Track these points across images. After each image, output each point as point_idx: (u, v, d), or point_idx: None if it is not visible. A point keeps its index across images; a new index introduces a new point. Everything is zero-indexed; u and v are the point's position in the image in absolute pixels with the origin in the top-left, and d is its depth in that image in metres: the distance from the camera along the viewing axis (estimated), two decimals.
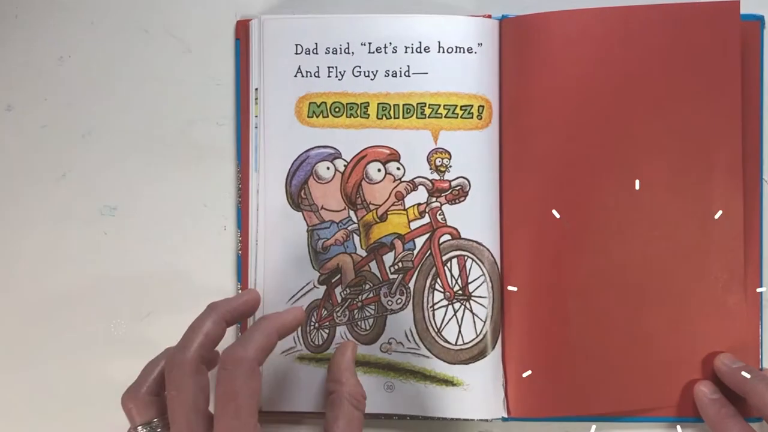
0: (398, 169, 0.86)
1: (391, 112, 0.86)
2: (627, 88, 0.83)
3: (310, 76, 0.86)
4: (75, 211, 0.89)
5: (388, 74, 0.86)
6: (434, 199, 0.85)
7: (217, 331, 0.72)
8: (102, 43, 0.90)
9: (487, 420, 0.85)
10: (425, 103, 0.85)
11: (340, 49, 0.86)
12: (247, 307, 0.78)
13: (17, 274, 0.89)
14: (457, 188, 0.85)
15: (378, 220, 0.86)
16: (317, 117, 0.86)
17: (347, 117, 0.86)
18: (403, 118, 0.85)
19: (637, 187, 0.83)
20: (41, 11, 0.90)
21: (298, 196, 0.86)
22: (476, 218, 0.85)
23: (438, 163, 0.85)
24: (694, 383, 0.83)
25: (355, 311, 0.86)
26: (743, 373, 0.80)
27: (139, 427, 0.72)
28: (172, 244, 0.89)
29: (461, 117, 0.85)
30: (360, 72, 0.86)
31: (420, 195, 0.85)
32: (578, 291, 0.84)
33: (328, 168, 0.86)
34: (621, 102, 0.84)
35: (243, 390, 0.68)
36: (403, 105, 0.85)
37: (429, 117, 0.85)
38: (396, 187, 0.86)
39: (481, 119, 0.85)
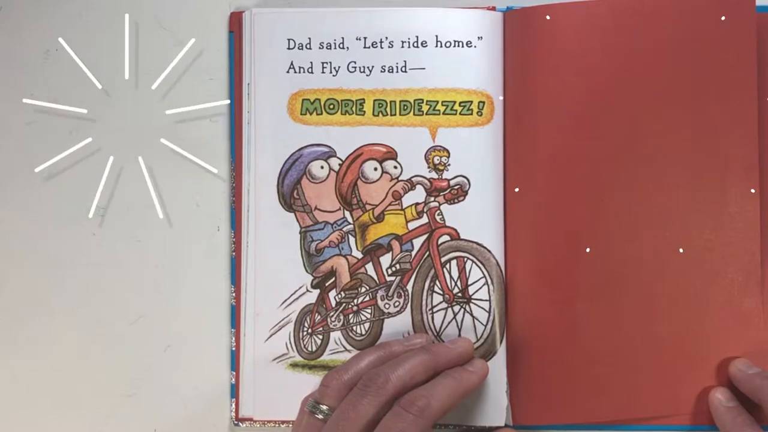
0: (395, 167, 0.85)
1: (388, 109, 0.85)
2: (637, 82, 0.83)
3: (304, 71, 0.86)
4: (63, 211, 0.88)
5: (385, 70, 0.85)
6: (432, 199, 0.85)
7: (423, 379, 0.76)
8: (91, 35, 0.89)
9: (490, 427, 0.84)
10: (423, 100, 0.85)
11: (335, 44, 0.86)
12: (461, 360, 0.80)
13: (3, 277, 0.89)
14: (456, 187, 0.85)
15: (374, 221, 0.86)
16: (311, 114, 0.86)
17: (342, 114, 0.86)
18: (400, 115, 0.85)
19: (648, 185, 0.83)
20: (27, 3, 0.90)
21: (290, 196, 0.86)
22: (476, 218, 0.84)
23: (436, 162, 0.85)
24: (708, 390, 0.82)
25: (350, 316, 0.86)
26: (759, 379, 0.79)
27: (319, 405, 0.76)
28: (163, 245, 0.88)
29: (460, 113, 0.85)
30: (355, 67, 0.86)
31: (418, 194, 0.85)
32: (587, 294, 0.83)
33: (322, 167, 0.86)
34: (631, 97, 0.83)
35: (364, 414, 0.73)
36: (400, 101, 0.85)
37: (426, 114, 0.85)
38: (393, 186, 0.85)
39: (481, 116, 0.84)
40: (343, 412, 0.73)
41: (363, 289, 0.86)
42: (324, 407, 0.75)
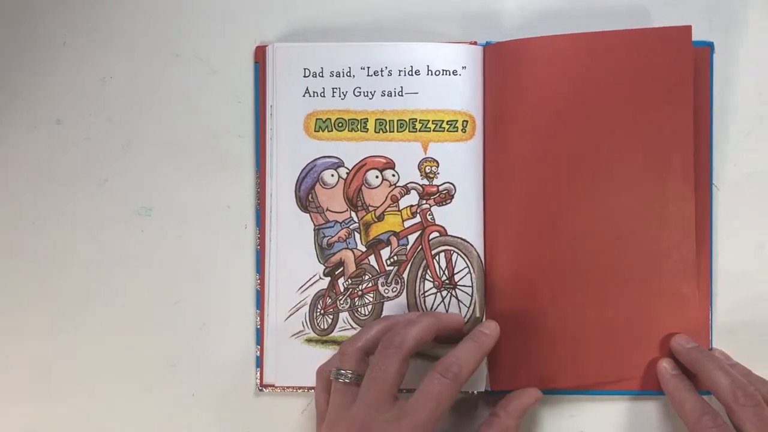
0: (393, 175, 0.90)
1: (387, 127, 0.89)
2: (594, 105, 0.87)
3: (317, 96, 0.90)
4: (115, 212, 0.93)
5: (384, 94, 0.90)
6: (424, 202, 0.89)
7: (428, 337, 0.81)
8: (139, 65, 0.93)
9: (471, 392, 0.89)
10: (416, 119, 0.89)
11: (343, 72, 0.90)
12: (458, 326, 0.86)
13: (66, 267, 0.93)
14: (444, 192, 0.89)
15: (376, 220, 0.90)
16: (323, 131, 0.90)
17: (349, 131, 0.90)
18: (397, 131, 0.89)
19: (603, 190, 0.87)
20: (86, 38, 0.94)
21: (306, 199, 0.90)
22: (461, 218, 0.89)
23: (427, 171, 0.89)
24: (655, 360, 0.87)
25: (356, 299, 0.90)
26: (695, 353, 0.85)
27: (342, 371, 0.80)
28: (199, 240, 0.92)
29: (447, 130, 0.89)
30: (360, 92, 0.90)
31: (412, 198, 0.90)
32: (553, 281, 0.87)
33: (332, 175, 0.90)
34: (589, 117, 0.87)
35: (391, 371, 0.78)
36: (397, 121, 0.89)
37: (419, 131, 0.89)
38: (391, 191, 0.90)
39: (465, 132, 0.89)
40: (373, 373, 0.78)
41: (366, 277, 0.90)
42: (347, 372, 0.80)
